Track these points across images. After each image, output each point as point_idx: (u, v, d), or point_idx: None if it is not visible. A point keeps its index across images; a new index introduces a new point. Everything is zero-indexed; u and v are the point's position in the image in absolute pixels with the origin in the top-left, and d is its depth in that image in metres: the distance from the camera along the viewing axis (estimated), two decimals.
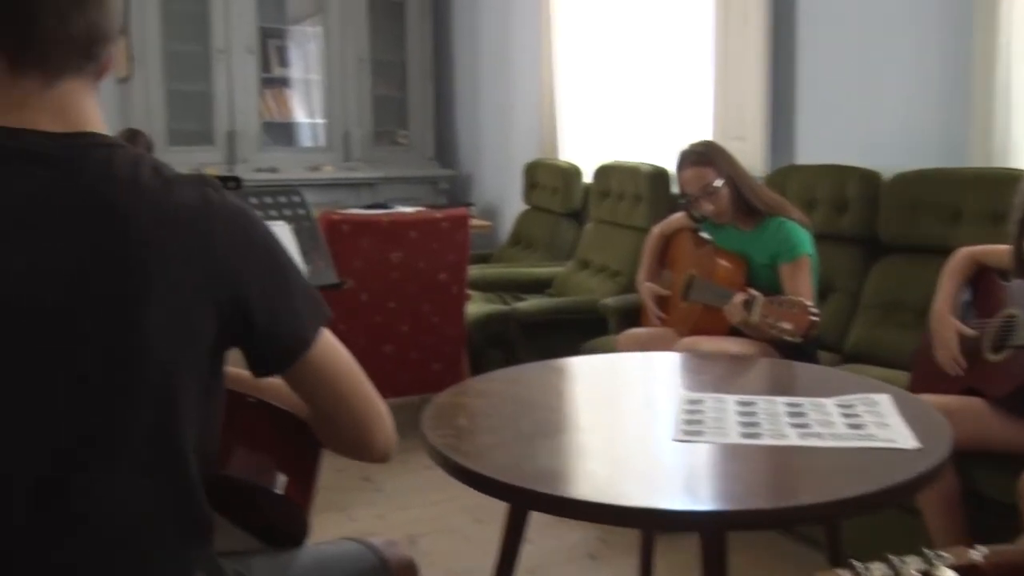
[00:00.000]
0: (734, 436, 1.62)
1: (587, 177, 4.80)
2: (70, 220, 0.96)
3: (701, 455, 1.59)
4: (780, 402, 1.82)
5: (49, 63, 1.00)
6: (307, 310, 1.11)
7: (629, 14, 4.71)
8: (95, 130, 1.03)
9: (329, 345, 1.13)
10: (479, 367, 3.92)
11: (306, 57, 6.07)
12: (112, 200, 0.97)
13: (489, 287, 4.38)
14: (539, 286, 4.53)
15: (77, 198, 0.97)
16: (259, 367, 1.11)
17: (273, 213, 2.92)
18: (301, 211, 2.99)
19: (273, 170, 5.57)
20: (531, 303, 4.10)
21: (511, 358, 3.92)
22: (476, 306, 3.98)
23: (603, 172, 4.52)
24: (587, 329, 3.73)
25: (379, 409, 1.19)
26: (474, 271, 4.03)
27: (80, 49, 1.01)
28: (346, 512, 3.04)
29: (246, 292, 1.04)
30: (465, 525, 2.95)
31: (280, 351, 1.10)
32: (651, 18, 4.57)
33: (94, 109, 1.05)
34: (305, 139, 6.11)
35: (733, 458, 1.57)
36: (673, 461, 1.60)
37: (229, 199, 1.07)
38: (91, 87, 1.05)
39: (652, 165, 4.19)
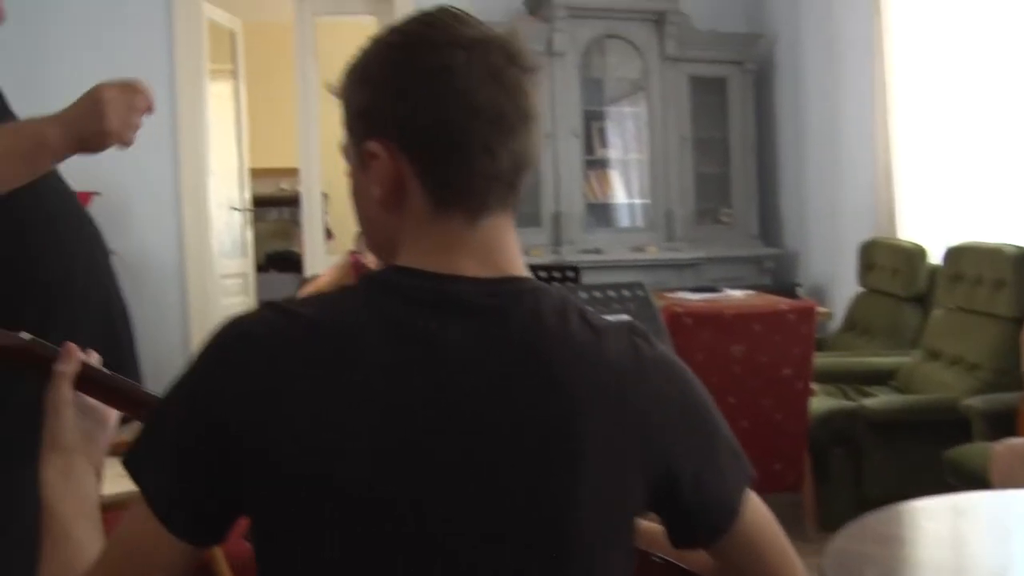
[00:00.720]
0: None
1: (933, 258, 4.43)
2: (498, 372, 0.90)
3: None
4: None
5: (475, 200, 0.94)
6: (733, 474, 0.99)
7: (982, 71, 4.30)
8: (519, 272, 0.97)
9: (755, 510, 1.00)
10: (821, 467, 3.67)
11: (624, 136, 6.11)
12: (541, 352, 0.91)
13: (826, 378, 4.09)
14: (881, 377, 4.18)
15: (505, 349, 0.90)
16: (681, 539, 1.01)
17: (617, 306, 2.87)
18: (645, 305, 2.93)
19: (597, 251, 5.60)
20: (881, 400, 3.79)
21: (857, 459, 3.64)
22: (818, 401, 3.72)
23: (955, 254, 4.11)
24: (944, 431, 3.40)
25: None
26: None
27: (506, 182, 0.95)
28: None
29: (677, 460, 0.94)
30: None
31: (706, 525, 0.98)
32: (1010, 74, 4.15)
33: (516, 246, 0.98)
34: (624, 219, 6.11)
35: None
36: None
37: (659, 352, 0.98)
38: (511, 220, 0.98)
39: (1017, 247, 3.78)
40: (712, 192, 6.05)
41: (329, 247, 6.33)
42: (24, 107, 1.59)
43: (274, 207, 8.65)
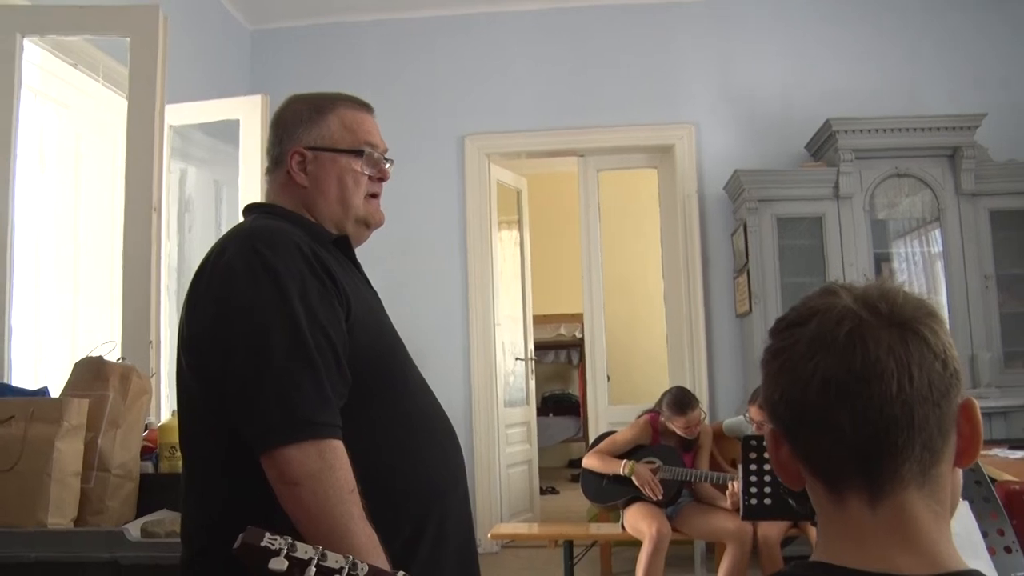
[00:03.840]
0: None
1: None
2: None
3: None
4: None
5: (855, 479, 0.89)
6: None
7: None
8: (959, 565, 0.87)
9: None
10: None
11: (912, 276, 5.77)
12: None
13: None
14: None
15: None
16: None
17: None
18: (979, 483, 2.69)
19: None
20: None
21: None
22: None
23: None
24: None
25: None
26: None
27: (879, 452, 0.87)
28: None
29: None
30: None
31: None
32: None
33: (941, 527, 0.88)
34: None
35: None
36: None
37: None
38: (929, 495, 0.89)
39: None
40: (1021, 333, 5.56)
41: (608, 391, 6.35)
42: None
43: (551, 350, 8.87)
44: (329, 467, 1.32)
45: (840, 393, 0.87)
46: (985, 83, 5.83)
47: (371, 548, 1.32)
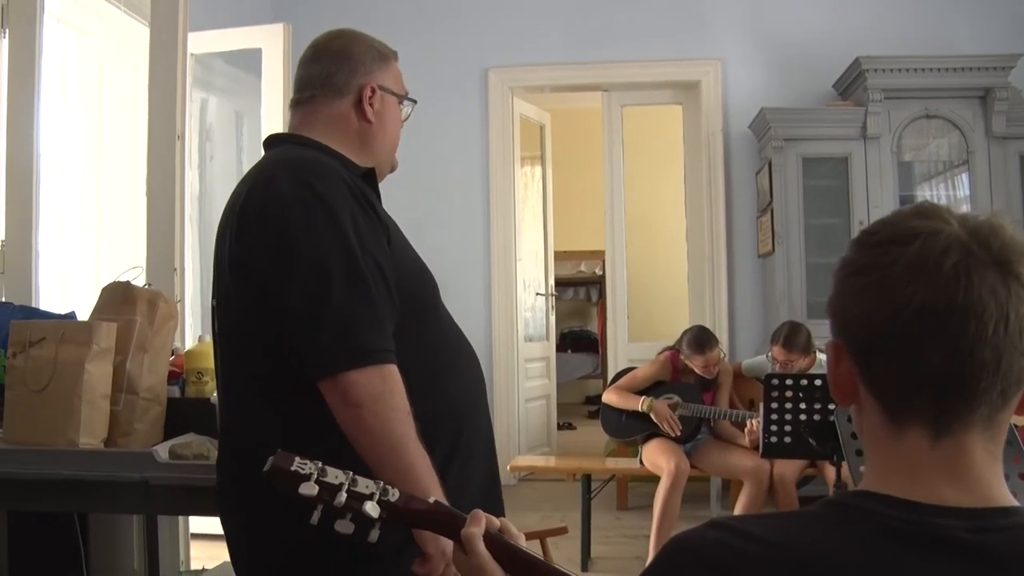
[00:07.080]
0: None
1: None
2: None
3: None
4: None
5: (923, 412, 0.85)
6: None
7: None
8: (1007, 501, 0.85)
9: None
10: None
11: None
12: None
13: None
14: None
15: None
16: None
17: None
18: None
19: None
20: None
21: None
22: None
23: None
24: None
25: None
26: None
27: (954, 389, 0.84)
28: None
29: None
30: None
31: None
32: None
33: (997, 468, 0.86)
34: None
35: None
36: None
37: None
38: (991, 438, 0.86)
39: None
40: None
41: (628, 328, 6.36)
42: None
43: (571, 287, 8.87)
44: (390, 391, 1.39)
45: (936, 325, 0.82)
46: (1021, 22, 5.69)
47: (425, 467, 1.38)
